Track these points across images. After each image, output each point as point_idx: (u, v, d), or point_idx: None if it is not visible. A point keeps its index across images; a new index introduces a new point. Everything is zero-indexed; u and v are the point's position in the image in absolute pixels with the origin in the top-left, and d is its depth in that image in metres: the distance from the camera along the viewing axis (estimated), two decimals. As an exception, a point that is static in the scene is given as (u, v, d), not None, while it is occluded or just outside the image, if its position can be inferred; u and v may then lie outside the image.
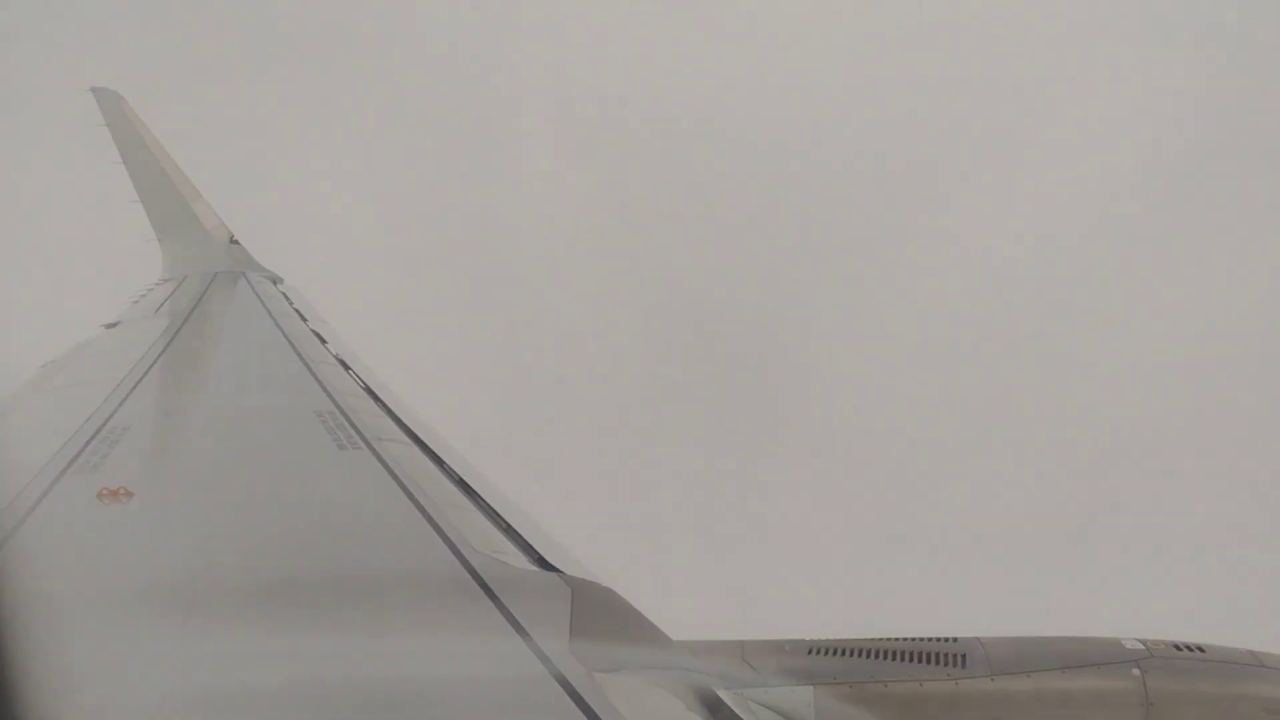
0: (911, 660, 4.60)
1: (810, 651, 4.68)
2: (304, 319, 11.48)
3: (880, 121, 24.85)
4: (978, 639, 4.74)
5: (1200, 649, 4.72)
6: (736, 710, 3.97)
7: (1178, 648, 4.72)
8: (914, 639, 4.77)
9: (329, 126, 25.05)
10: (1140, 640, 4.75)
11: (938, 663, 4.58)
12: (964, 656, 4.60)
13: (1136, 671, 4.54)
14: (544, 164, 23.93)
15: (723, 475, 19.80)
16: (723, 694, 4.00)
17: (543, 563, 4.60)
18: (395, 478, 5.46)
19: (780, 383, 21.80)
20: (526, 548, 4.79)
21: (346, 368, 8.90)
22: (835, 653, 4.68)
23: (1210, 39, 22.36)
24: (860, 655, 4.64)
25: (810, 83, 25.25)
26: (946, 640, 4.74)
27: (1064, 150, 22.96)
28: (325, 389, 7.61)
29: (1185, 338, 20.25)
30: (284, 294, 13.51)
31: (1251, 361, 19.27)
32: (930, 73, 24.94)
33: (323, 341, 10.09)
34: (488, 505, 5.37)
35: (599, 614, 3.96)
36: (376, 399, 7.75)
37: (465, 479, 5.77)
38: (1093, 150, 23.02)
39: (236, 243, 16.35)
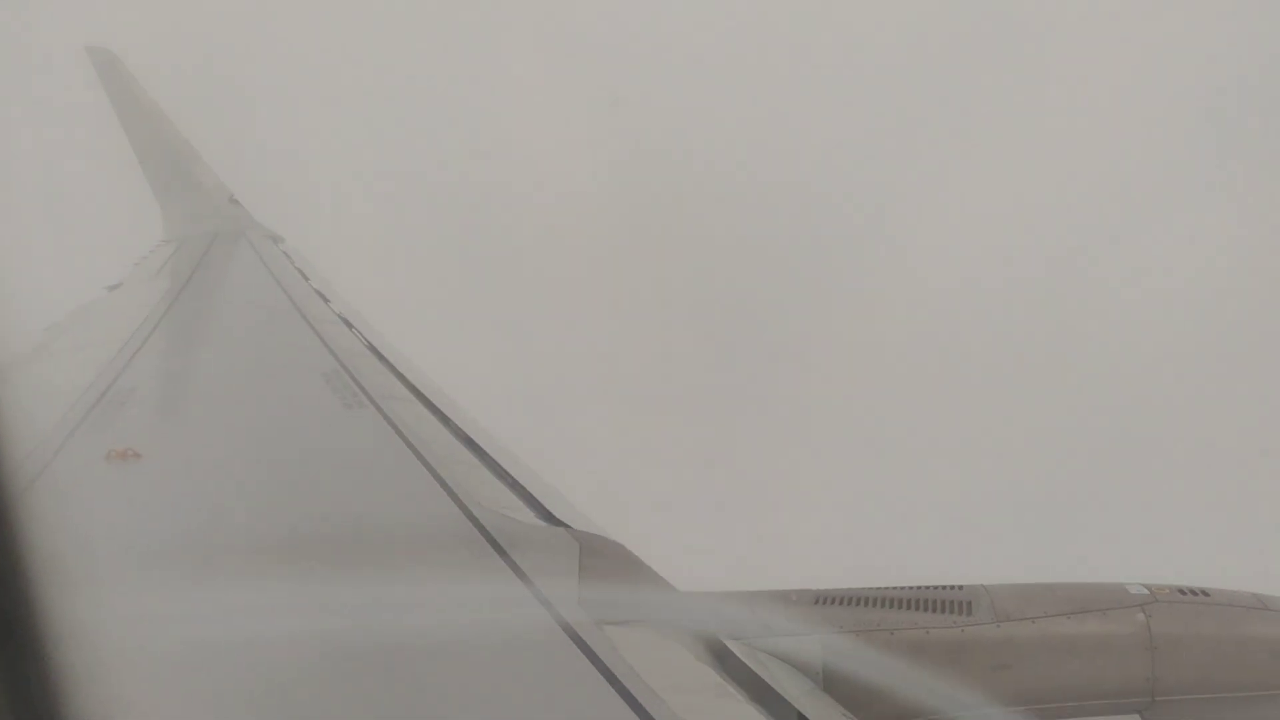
0: (918, 608, 4.63)
1: (817, 601, 4.71)
2: (306, 278, 11.46)
3: (876, 98, 24.63)
4: (983, 586, 4.77)
5: (1205, 592, 4.75)
6: (744, 660, 4.01)
7: (1182, 592, 4.74)
8: (920, 587, 4.80)
9: (328, 96, 24.88)
10: (1145, 585, 4.77)
11: (944, 611, 4.61)
12: (970, 604, 4.63)
13: (1141, 615, 4.57)
14: (548, 141, 23.74)
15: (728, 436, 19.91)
16: (730, 644, 4.04)
17: (550, 518, 4.62)
18: (401, 435, 5.47)
19: (784, 343, 21.79)
20: (533, 503, 4.81)
21: (350, 326, 8.90)
22: (842, 602, 4.71)
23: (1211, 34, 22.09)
24: (867, 604, 4.67)
25: (804, 68, 25.01)
26: (952, 588, 4.76)
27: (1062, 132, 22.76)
28: (330, 348, 7.61)
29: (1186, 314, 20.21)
30: (285, 253, 13.47)
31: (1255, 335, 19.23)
32: (925, 53, 24.66)
33: (325, 301, 10.07)
34: (494, 462, 5.38)
35: (606, 567, 3.99)
36: (381, 357, 7.76)
37: (472, 436, 5.79)
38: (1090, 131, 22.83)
39: (236, 202, 16.28)
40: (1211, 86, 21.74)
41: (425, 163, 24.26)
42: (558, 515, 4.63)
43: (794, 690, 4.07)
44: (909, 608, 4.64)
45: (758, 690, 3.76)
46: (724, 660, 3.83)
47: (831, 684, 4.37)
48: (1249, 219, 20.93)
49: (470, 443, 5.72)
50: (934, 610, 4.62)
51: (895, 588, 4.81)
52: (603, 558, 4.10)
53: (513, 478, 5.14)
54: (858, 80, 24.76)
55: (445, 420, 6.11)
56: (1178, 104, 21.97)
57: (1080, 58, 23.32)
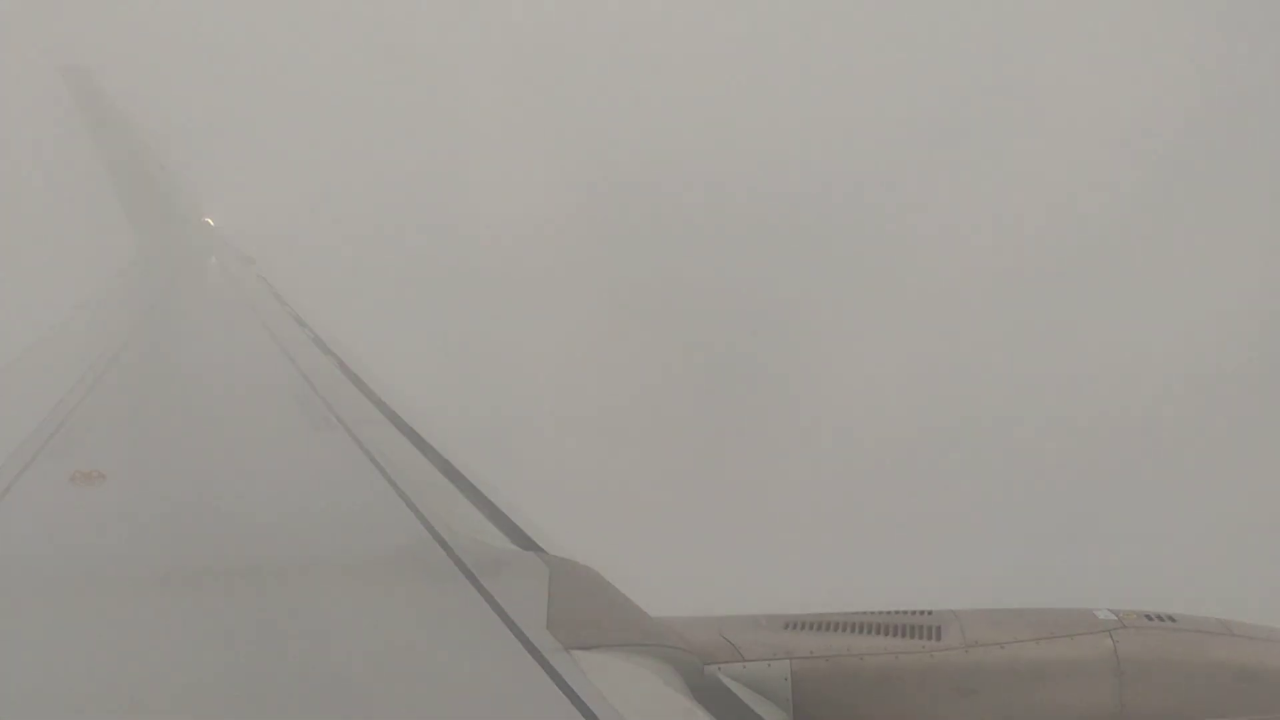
0: (887, 634, 4.64)
1: (787, 626, 4.71)
2: (281, 301, 11.41)
3: (881, 97, 24.84)
4: (953, 612, 4.78)
5: (1172, 618, 4.79)
6: (713, 685, 4.00)
7: (1149, 617, 4.78)
8: (890, 613, 4.81)
9: (306, 115, 24.88)
10: (1113, 610, 4.81)
11: (913, 636, 4.62)
12: (939, 629, 4.64)
13: (1109, 641, 4.59)
14: (526, 152, 23.81)
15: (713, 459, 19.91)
16: (699, 668, 4.03)
17: (522, 541, 4.61)
18: (372, 459, 5.44)
19: (772, 366, 21.85)
20: (507, 527, 4.79)
21: (324, 349, 8.85)
22: (811, 627, 4.71)
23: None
24: (836, 629, 4.68)
25: (802, 66, 25.23)
26: (921, 613, 4.78)
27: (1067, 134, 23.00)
28: (300, 370, 7.57)
29: (1184, 324, 20.40)
30: (258, 275, 13.41)
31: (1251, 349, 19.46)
32: (929, 51, 24.94)
33: (298, 322, 10.03)
34: (467, 484, 5.36)
35: (577, 592, 3.98)
36: (354, 380, 7.72)
37: (445, 459, 5.77)
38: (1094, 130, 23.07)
39: (209, 224, 16.22)
40: (1213, 90, 22.03)
41: (397, 188, 24.28)
42: (530, 538, 4.61)
43: (763, 716, 4.06)
44: (878, 633, 4.65)
45: (728, 715, 3.75)
46: (693, 685, 3.82)
47: (800, 709, 4.37)
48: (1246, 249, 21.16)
49: (443, 465, 5.70)
50: (903, 635, 4.63)
51: (864, 613, 4.82)
52: (573, 581, 4.08)
53: (485, 500, 5.12)
54: (846, 92, 24.96)
55: (418, 443, 6.09)
56: (1180, 108, 22.21)
57: (1082, 67, 23.59)
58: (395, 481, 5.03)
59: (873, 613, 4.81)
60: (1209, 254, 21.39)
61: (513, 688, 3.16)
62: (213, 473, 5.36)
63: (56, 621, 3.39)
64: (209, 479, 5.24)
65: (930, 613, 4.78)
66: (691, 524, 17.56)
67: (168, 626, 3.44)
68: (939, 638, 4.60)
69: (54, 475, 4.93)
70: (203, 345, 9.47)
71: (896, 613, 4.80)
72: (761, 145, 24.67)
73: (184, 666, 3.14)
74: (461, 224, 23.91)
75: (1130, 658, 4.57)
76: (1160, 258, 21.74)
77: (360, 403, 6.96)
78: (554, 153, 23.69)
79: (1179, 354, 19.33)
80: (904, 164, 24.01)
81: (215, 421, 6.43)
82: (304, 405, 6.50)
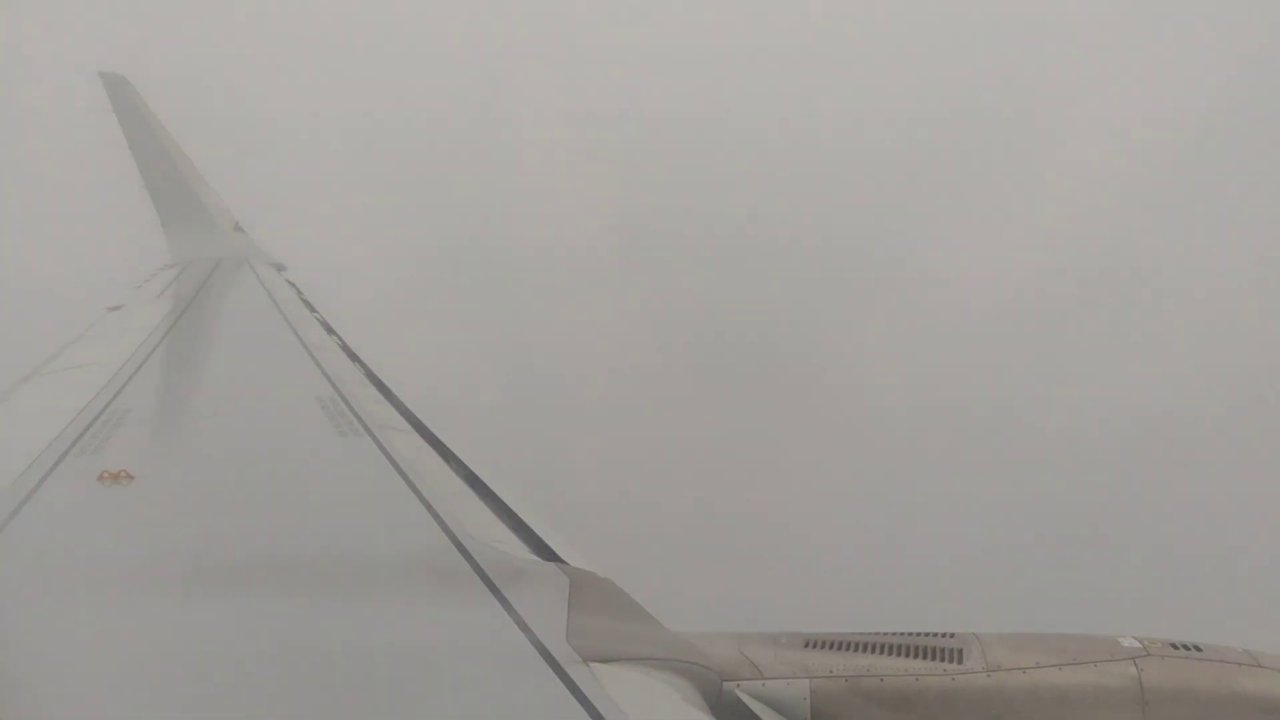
0: (908, 655, 4.61)
1: (807, 645, 4.68)
2: (310, 307, 11.50)
3: (897, 101, 24.78)
4: (975, 635, 4.74)
5: (1198, 648, 4.73)
6: (731, 701, 3.98)
7: (1175, 646, 4.72)
8: (911, 634, 4.77)
9: (330, 124, 25.10)
10: (1137, 638, 4.76)
11: (935, 658, 4.58)
12: (961, 652, 4.60)
13: (1133, 669, 4.54)
14: (553, 162, 23.90)
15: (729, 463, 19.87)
16: (719, 685, 4.01)
17: (543, 552, 4.61)
18: (395, 465, 5.46)
19: (790, 372, 21.78)
20: (528, 537, 4.80)
21: (352, 356, 8.91)
22: (832, 646, 4.68)
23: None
24: (857, 649, 4.65)
25: (809, 85, 25.24)
26: (944, 635, 4.74)
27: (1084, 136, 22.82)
28: (327, 375, 7.62)
29: (1198, 333, 20.21)
30: (289, 281, 13.53)
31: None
32: (947, 53, 24.86)
33: (329, 330, 10.11)
34: (491, 493, 5.37)
35: (597, 605, 3.97)
36: (381, 387, 7.77)
37: (469, 467, 5.78)
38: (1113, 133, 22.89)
39: (241, 230, 16.40)
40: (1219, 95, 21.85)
41: (429, 193, 24.40)
42: (551, 549, 4.62)
43: None
44: (899, 654, 4.62)
45: None
46: (712, 702, 3.80)
47: None
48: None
49: (467, 474, 5.71)
50: (924, 657, 4.59)
51: (886, 634, 4.79)
52: (593, 593, 4.08)
53: (508, 510, 5.13)
54: (861, 103, 24.92)
55: (443, 451, 6.11)
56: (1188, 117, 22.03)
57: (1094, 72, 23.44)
58: (418, 489, 5.05)
59: (894, 634, 4.78)
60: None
61: (530, 699, 3.16)
62: (239, 476, 5.40)
63: (81, 621, 3.42)
64: (235, 482, 5.28)
65: (953, 635, 4.74)
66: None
67: (191, 628, 3.47)
68: (961, 660, 4.57)
69: (82, 475, 4.98)
70: (231, 349, 9.55)
71: (918, 634, 4.77)
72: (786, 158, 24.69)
73: (207, 667, 3.16)
74: (492, 234, 24.04)
75: (1154, 687, 4.51)
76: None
77: (386, 410, 6.99)
78: (591, 161, 23.78)
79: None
80: (929, 196, 23.95)
81: (243, 425, 6.47)
82: (330, 411, 6.54)
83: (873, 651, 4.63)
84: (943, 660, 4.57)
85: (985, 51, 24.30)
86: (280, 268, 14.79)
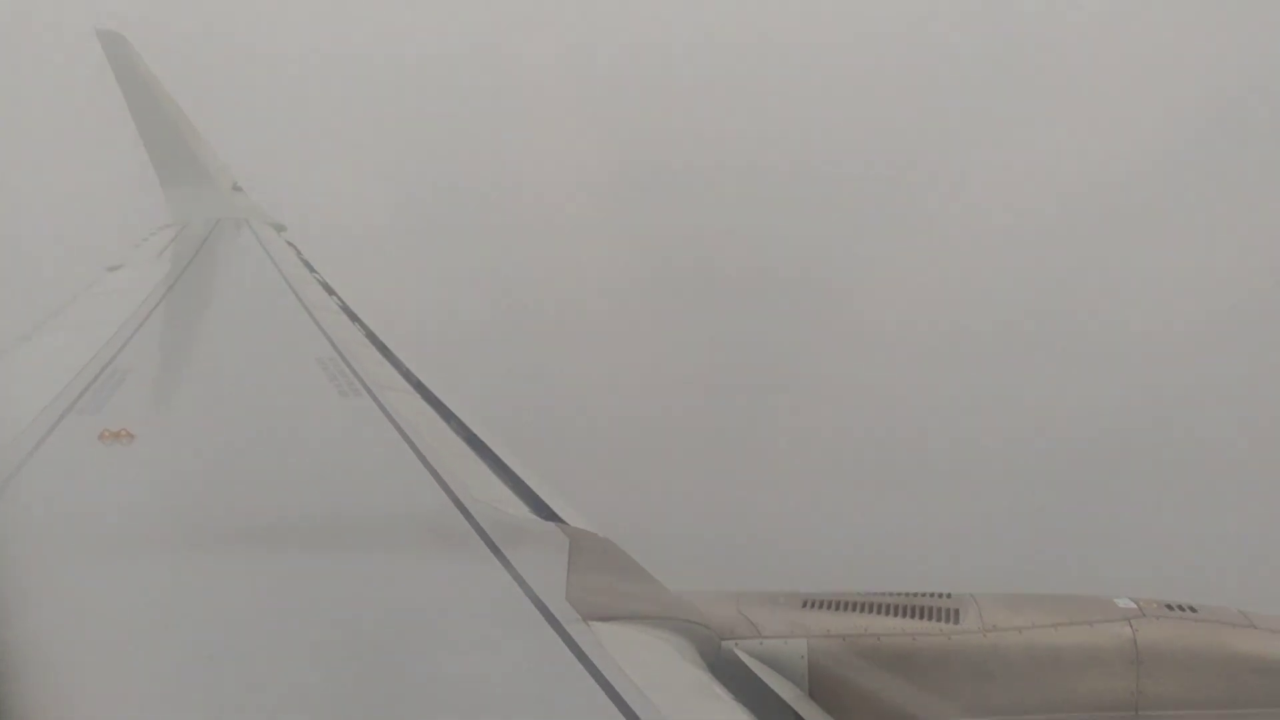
0: (905, 615, 4.63)
1: (805, 605, 4.71)
2: (310, 267, 11.47)
3: (884, 104, 24.68)
4: (971, 595, 4.76)
5: (1192, 609, 4.76)
6: (729, 659, 4.01)
7: (1169, 607, 4.75)
8: (908, 594, 4.80)
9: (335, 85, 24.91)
10: (1133, 599, 4.78)
11: (931, 618, 4.61)
12: (957, 612, 4.63)
13: (1128, 629, 4.57)
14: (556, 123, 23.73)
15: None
16: (716, 643, 4.04)
17: (543, 512, 4.63)
18: (396, 425, 5.47)
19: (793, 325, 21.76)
20: (528, 496, 4.81)
21: (353, 317, 8.90)
22: (829, 606, 4.71)
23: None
24: (854, 609, 4.68)
25: (817, 67, 25.04)
26: (940, 595, 4.77)
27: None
28: (328, 335, 7.61)
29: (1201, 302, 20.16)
30: (289, 242, 13.48)
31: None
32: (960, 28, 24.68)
33: (329, 291, 10.08)
34: (491, 454, 5.39)
35: (596, 564, 3.99)
36: (381, 348, 7.76)
37: (469, 427, 5.79)
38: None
39: (239, 189, 16.31)
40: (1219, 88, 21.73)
41: (431, 160, 24.27)
42: (551, 509, 4.63)
43: (779, 693, 4.07)
44: (896, 614, 4.64)
45: (743, 690, 3.76)
46: (710, 659, 3.83)
47: (816, 687, 4.38)
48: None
49: (467, 435, 5.72)
50: (921, 617, 4.62)
51: (882, 593, 4.82)
52: (593, 554, 4.10)
53: (508, 470, 5.14)
54: (866, 84, 24.76)
55: (443, 412, 6.12)
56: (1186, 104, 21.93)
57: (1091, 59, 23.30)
58: (419, 449, 5.06)
59: (891, 594, 4.80)
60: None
61: (530, 657, 3.18)
62: (240, 436, 5.41)
63: (83, 578, 3.44)
64: (236, 442, 5.29)
65: (949, 595, 4.77)
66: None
67: (192, 584, 3.49)
68: (957, 620, 4.59)
69: (83, 434, 4.99)
70: (231, 309, 9.54)
71: (915, 594, 4.79)
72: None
73: (209, 623, 3.18)
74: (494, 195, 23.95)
75: (1149, 646, 4.54)
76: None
77: (386, 370, 6.99)
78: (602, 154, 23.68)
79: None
80: (931, 170, 23.82)
81: (243, 384, 6.48)
82: (331, 371, 6.54)
83: (870, 611, 4.66)
84: (939, 620, 4.60)
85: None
86: (280, 228, 14.72)
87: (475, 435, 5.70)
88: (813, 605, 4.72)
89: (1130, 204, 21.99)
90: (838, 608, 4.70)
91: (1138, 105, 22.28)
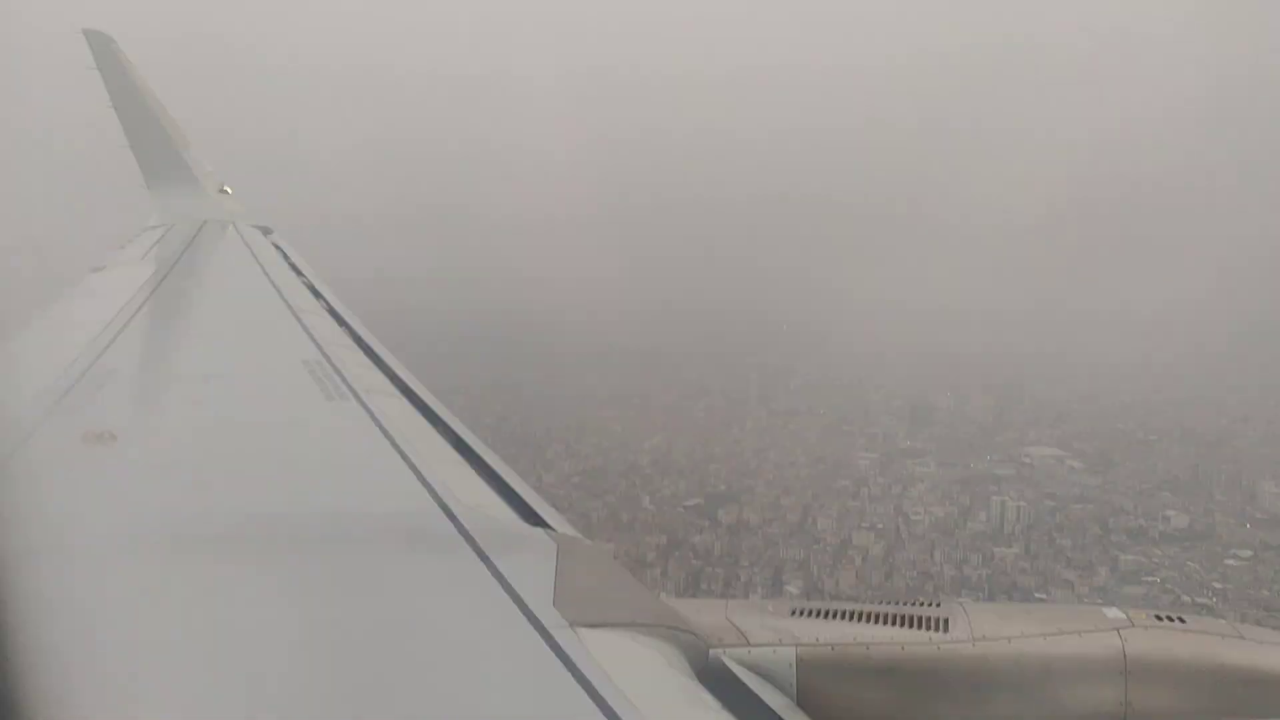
0: (895, 624, 4.63)
1: (794, 613, 4.70)
2: (296, 270, 11.40)
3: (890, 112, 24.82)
4: (961, 604, 4.77)
5: (1181, 619, 4.77)
6: (717, 667, 3.99)
7: (1159, 618, 4.76)
8: (897, 603, 4.80)
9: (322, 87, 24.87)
10: (1122, 610, 4.79)
11: (921, 627, 4.61)
12: (946, 621, 4.63)
13: (1117, 639, 4.57)
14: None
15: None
16: (704, 651, 4.01)
17: (531, 518, 4.60)
18: (383, 429, 5.43)
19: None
20: (516, 503, 4.78)
21: (340, 321, 8.84)
22: (818, 615, 4.70)
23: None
24: (844, 618, 4.67)
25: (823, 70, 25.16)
26: (930, 605, 4.77)
27: None
28: (314, 339, 7.56)
29: None
30: (275, 244, 13.40)
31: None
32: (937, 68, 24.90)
33: (315, 294, 10.02)
34: (478, 459, 5.35)
35: (584, 571, 3.96)
36: (368, 351, 7.72)
37: (456, 432, 5.76)
38: None
39: (226, 191, 16.24)
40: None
41: (419, 163, 24.25)
42: (539, 515, 4.60)
43: (767, 701, 4.05)
44: (885, 623, 4.63)
45: (731, 699, 3.74)
46: (698, 667, 3.81)
47: (804, 696, 4.36)
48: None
49: (454, 439, 5.69)
50: (910, 626, 4.61)
51: (872, 603, 4.81)
52: (581, 560, 4.07)
53: (495, 476, 5.11)
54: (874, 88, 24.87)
55: (430, 416, 6.08)
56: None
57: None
58: (406, 454, 5.02)
59: (880, 603, 4.80)
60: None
61: (518, 663, 3.15)
62: (224, 438, 5.35)
63: (64, 582, 3.39)
64: (220, 445, 5.24)
65: (938, 604, 4.77)
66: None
67: (175, 588, 3.44)
68: (946, 630, 4.59)
69: (66, 435, 4.93)
70: (216, 311, 9.47)
71: (904, 603, 4.79)
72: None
73: (191, 629, 3.13)
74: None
75: (1138, 657, 4.55)
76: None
77: (373, 374, 6.95)
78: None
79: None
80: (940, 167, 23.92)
81: (227, 387, 6.42)
82: (317, 375, 6.48)
83: (859, 620, 4.65)
84: (929, 629, 4.60)
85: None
86: (266, 230, 14.65)
87: (462, 439, 5.67)
88: (801, 614, 4.71)
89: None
90: (827, 616, 4.69)
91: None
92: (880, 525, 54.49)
